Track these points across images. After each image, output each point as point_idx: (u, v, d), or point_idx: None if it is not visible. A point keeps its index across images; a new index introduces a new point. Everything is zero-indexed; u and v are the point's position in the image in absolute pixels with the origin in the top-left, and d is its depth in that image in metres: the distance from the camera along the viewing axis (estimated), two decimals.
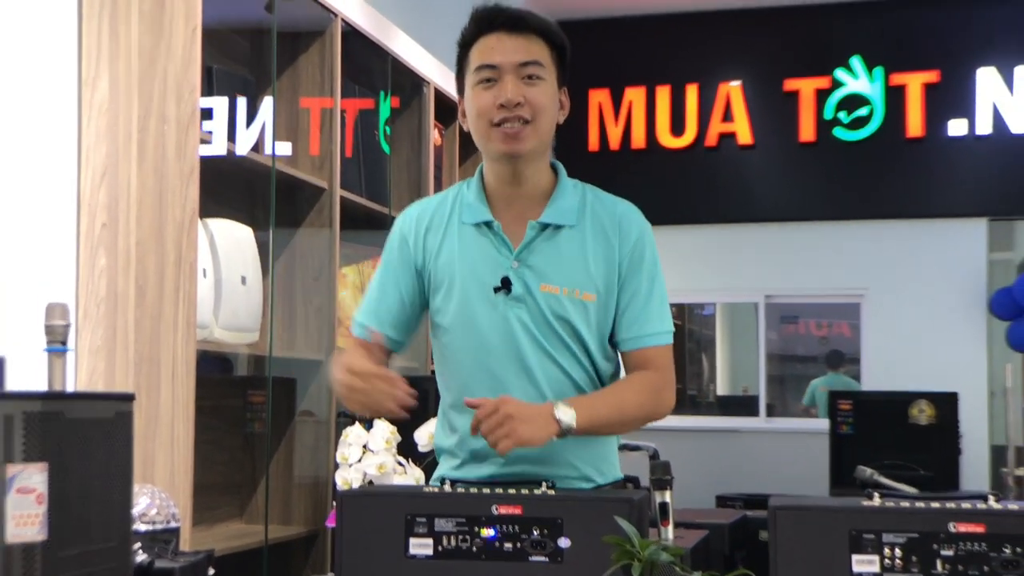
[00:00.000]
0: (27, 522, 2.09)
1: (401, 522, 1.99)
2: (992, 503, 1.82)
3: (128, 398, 2.40)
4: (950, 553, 1.79)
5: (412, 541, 1.98)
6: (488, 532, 1.96)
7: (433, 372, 3.23)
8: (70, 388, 3.07)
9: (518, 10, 2.27)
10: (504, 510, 1.96)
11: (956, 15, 7.92)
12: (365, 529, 2.02)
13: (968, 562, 1.78)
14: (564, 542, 1.93)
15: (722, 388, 10.22)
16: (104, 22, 3.20)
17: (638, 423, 2.31)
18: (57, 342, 2.40)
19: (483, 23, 2.26)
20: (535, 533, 1.94)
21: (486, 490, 2.00)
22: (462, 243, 2.29)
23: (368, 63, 4.43)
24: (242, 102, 3.51)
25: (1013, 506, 1.84)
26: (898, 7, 7.89)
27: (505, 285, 2.25)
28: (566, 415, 2.15)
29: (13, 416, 2.10)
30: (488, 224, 2.28)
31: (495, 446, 2.10)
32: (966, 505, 1.82)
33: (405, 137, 4.81)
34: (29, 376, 2.59)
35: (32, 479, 2.11)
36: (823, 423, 6.28)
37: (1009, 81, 7.77)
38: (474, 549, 1.95)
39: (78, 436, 2.23)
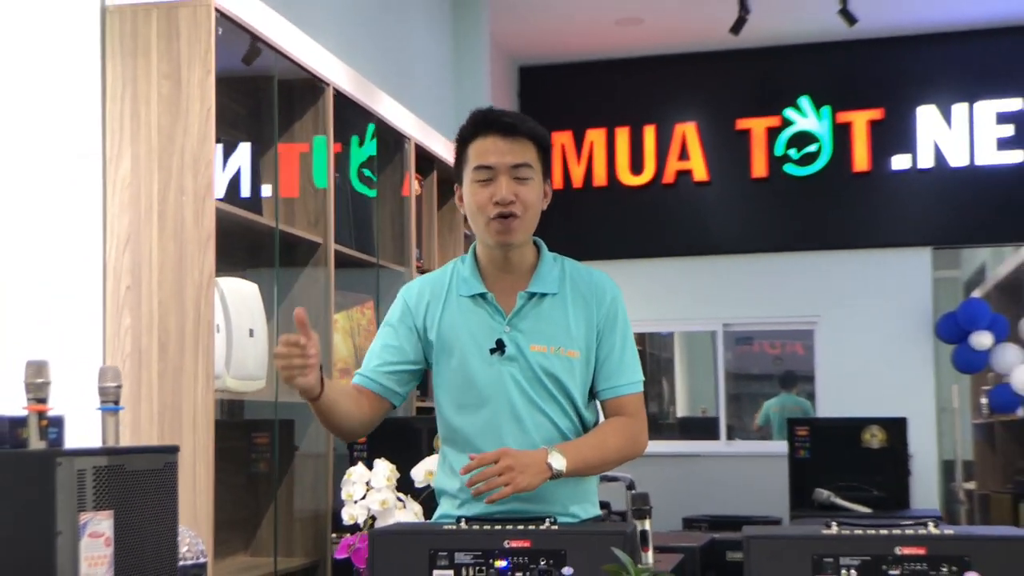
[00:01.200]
0: (97, 562, 2.41)
1: (426, 556, 2.30)
2: (932, 529, 2.14)
3: (173, 450, 2.71)
4: (897, 572, 2.09)
5: (436, 573, 2.27)
6: (501, 563, 2.25)
7: (419, 411, 3.48)
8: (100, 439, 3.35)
9: (511, 116, 2.59)
10: (515, 544, 2.26)
11: (898, 57, 8.28)
12: (394, 563, 2.33)
13: None
14: (568, 571, 2.22)
15: (682, 410, 10.47)
16: (126, 104, 3.50)
17: (618, 463, 2.65)
18: (110, 401, 2.68)
19: (480, 126, 2.57)
20: (542, 563, 2.24)
21: (498, 527, 2.31)
22: (461, 312, 2.62)
23: (355, 122, 4.75)
24: (245, 168, 3.83)
25: (949, 531, 2.14)
26: (843, 49, 8.23)
27: (500, 347, 2.57)
28: (558, 462, 2.48)
29: (85, 470, 2.41)
30: (483, 295, 2.61)
31: (492, 495, 2.41)
32: (910, 531, 2.14)
33: (388, 189, 5.13)
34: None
35: (101, 525, 2.42)
36: (780, 446, 6.56)
37: (948, 118, 8.16)
38: None
39: (136, 485, 2.55)
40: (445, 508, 2.69)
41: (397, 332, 2.66)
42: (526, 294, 2.60)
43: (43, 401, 2.55)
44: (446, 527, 2.37)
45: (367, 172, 4.74)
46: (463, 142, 2.62)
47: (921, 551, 2.11)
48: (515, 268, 2.63)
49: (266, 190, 4.15)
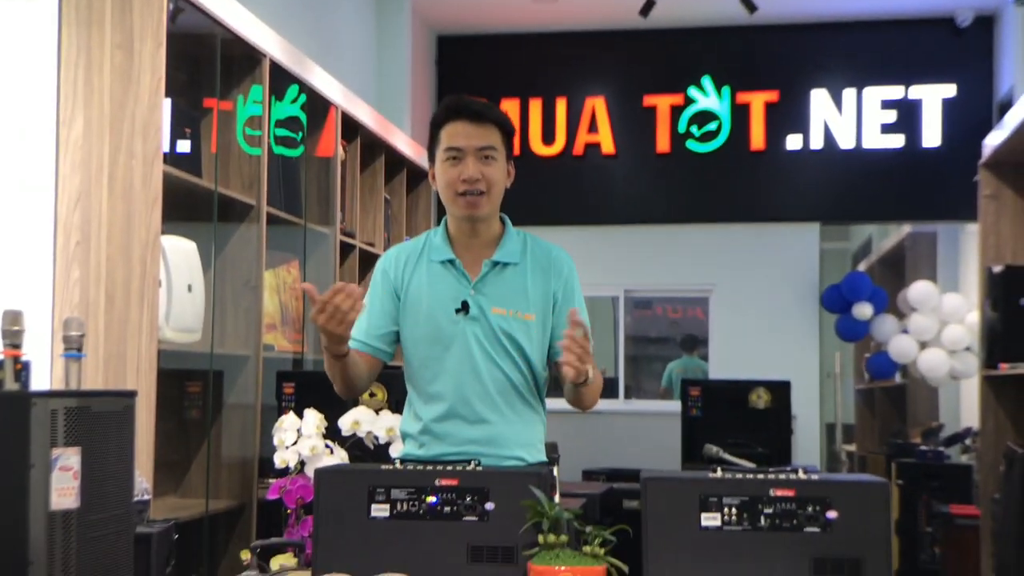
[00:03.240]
0: (66, 493, 2.67)
1: (365, 492, 2.58)
2: (800, 475, 2.51)
3: (132, 395, 2.97)
4: (770, 510, 2.44)
5: (373, 506, 2.56)
6: (431, 499, 2.54)
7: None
8: (53, 382, 3.59)
9: (479, 105, 2.88)
10: (444, 482, 2.55)
11: (793, 43, 8.67)
12: (337, 497, 2.62)
13: (783, 517, 2.44)
14: (490, 505, 2.51)
15: None
16: (80, 71, 3.71)
17: (593, 403, 3.00)
18: (73, 349, 2.93)
19: (451, 112, 2.87)
20: (468, 499, 2.53)
21: (430, 467, 2.61)
22: (431, 275, 2.93)
23: (286, 89, 4.98)
24: (184, 128, 4.07)
25: (814, 476, 2.48)
26: (744, 33, 8.56)
27: (464, 308, 2.89)
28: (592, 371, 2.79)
29: (57, 410, 2.67)
30: (452, 261, 2.92)
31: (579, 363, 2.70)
32: (782, 476, 2.51)
33: (315, 153, 5.37)
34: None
35: (70, 460, 2.69)
36: (674, 405, 6.92)
37: (838, 102, 8.58)
38: (421, 512, 2.54)
39: (100, 425, 2.81)
40: (408, 448, 2.99)
41: (382, 298, 2.95)
42: (491, 262, 2.91)
43: (18, 347, 2.80)
44: (384, 467, 2.65)
45: (286, 132, 4.94)
46: (436, 126, 2.90)
47: (791, 493, 2.45)
48: (481, 239, 2.93)
49: (204, 151, 4.38)
